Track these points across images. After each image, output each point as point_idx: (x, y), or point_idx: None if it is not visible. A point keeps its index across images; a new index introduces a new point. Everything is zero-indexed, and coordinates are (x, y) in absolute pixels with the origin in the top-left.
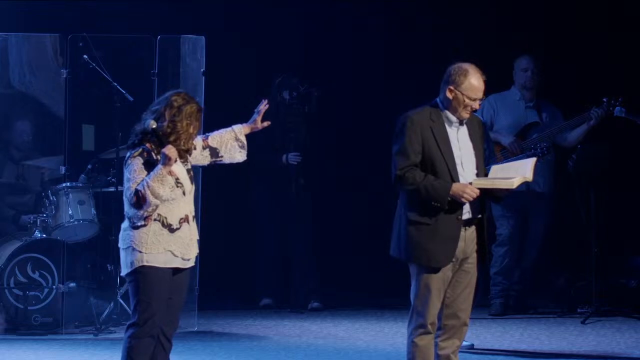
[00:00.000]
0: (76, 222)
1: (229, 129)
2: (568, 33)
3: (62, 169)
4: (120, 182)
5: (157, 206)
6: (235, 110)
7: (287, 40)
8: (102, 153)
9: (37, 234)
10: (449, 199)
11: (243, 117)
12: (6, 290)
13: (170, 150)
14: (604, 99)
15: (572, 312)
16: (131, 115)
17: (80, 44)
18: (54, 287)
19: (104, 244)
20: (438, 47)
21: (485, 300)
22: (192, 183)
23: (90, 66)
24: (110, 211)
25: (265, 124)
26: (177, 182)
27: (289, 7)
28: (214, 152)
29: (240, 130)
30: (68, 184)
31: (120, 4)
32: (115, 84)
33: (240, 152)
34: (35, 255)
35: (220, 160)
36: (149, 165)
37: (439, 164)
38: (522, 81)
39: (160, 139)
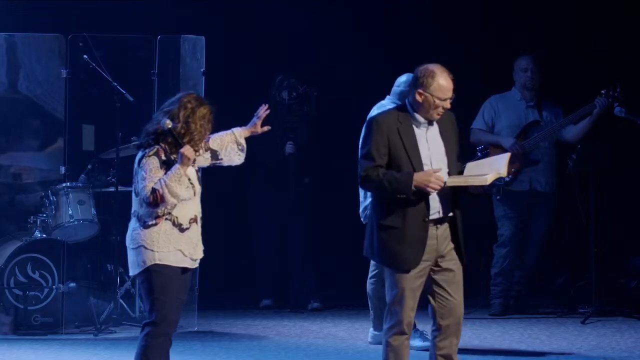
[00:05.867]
0: (76, 222)
1: (229, 131)
2: (568, 33)
3: (62, 169)
4: (120, 182)
5: (174, 206)
6: (235, 111)
7: (287, 40)
8: (102, 153)
9: (37, 234)
10: (414, 189)
11: (243, 117)
12: (6, 290)
13: (188, 151)
14: (602, 91)
15: (572, 312)
16: (131, 115)
17: (80, 44)
18: (54, 287)
19: (104, 244)
20: (438, 47)
21: (486, 300)
22: (199, 184)
23: (90, 66)
24: (111, 211)
25: (265, 128)
26: (190, 182)
27: (289, 7)
28: (214, 154)
29: (240, 133)
30: (68, 184)
31: (120, 4)
32: (115, 84)
33: (239, 154)
34: (35, 255)
35: (220, 163)
36: (165, 165)
37: (405, 165)
38: (522, 81)
39: (175, 138)
